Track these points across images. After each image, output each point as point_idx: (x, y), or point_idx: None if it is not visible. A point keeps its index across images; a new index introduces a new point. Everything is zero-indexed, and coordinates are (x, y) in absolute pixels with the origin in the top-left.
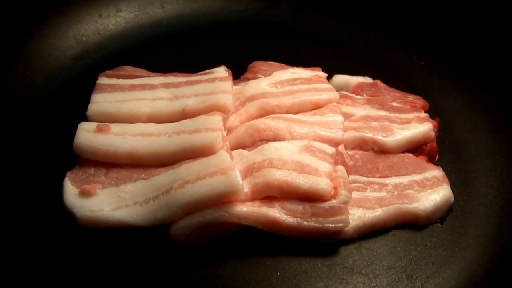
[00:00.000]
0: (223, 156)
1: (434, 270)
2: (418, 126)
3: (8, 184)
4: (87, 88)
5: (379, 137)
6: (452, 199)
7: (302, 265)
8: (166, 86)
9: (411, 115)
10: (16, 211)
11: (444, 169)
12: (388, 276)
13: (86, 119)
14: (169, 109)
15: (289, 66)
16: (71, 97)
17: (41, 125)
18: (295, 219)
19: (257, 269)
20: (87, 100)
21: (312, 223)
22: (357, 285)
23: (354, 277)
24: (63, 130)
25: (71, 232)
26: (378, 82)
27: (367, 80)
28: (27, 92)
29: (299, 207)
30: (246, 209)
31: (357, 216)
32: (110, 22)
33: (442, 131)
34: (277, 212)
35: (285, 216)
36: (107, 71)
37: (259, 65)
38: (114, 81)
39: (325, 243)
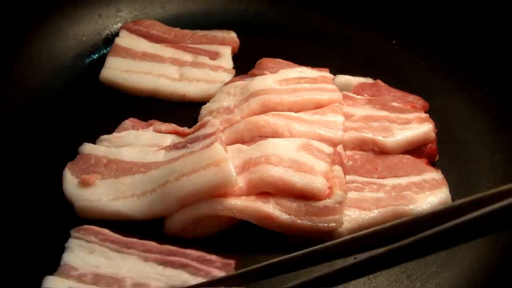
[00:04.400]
0: (217, 149)
1: (434, 270)
2: (419, 126)
3: (8, 184)
4: (87, 88)
5: (379, 138)
6: (450, 202)
7: None
8: (173, 62)
9: (411, 116)
10: (15, 212)
11: (444, 170)
12: (388, 276)
13: (85, 120)
14: (170, 90)
15: (296, 65)
16: (71, 97)
17: (41, 125)
18: (290, 216)
19: None
20: (87, 100)
21: (305, 221)
22: (357, 285)
23: None
24: (63, 130)
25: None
26: (379, 82)
27: (369, 80)
28: (27, 92)
29: (294, 205)
30: (240, 203)
31: (352, 218)
32: (110, 22)
33: (442, 131)
34: (271, 208)
35: (280, 212)
36: (129, 23)
37: (266, 61)
38: (131, 40)
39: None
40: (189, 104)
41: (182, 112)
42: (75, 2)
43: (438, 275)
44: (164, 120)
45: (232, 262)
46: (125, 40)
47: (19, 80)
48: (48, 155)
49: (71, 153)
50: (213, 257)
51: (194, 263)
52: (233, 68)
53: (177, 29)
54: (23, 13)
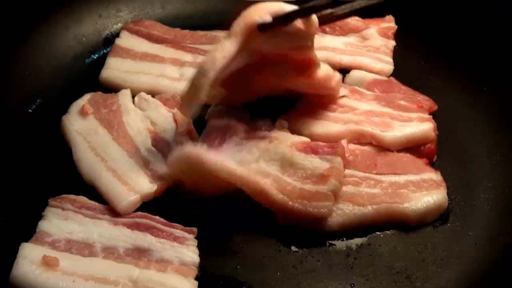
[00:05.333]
0: None
1: (434, 270)
2: (419, 124)
3: (7, 184)
4: (87, 88)
5: (378, 132)
6: (446, 204)
7: (302, 265)
8: (174, 62)
9: (414, 115)
10: (15, 212)
11: (443, 170)
12: (388, 276)
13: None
14: (170, 90)
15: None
16: (71, 97)
17: (40, 125)
18: (283, 196)
19: (257, 269)
20: None
21: (296, 204)
22: (357, 285)
23: (354, 277)
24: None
25: None
26: (392, 79)
27: (383, 77)
28: (27, 92)
29: (290, 186)
30: (240, 171)
31: (345, 212)
32: (110, 22)
33: (442, 131)
34: (268, 184)
35: (275, 190)
36: (129, 23)
37: None
38: (132, 41)
39: (324, 244)
40: None
41: None
42: (75, 2)
43: (438, 275)
44: None
45: (194, 229)
46: (125, 40)
47: (19, 80)
48: (47, 155)
49: (70, 154)
50: (176, 224)
51: (158, 225)
52: None
53: (177, 29)
54: (23, 13)
